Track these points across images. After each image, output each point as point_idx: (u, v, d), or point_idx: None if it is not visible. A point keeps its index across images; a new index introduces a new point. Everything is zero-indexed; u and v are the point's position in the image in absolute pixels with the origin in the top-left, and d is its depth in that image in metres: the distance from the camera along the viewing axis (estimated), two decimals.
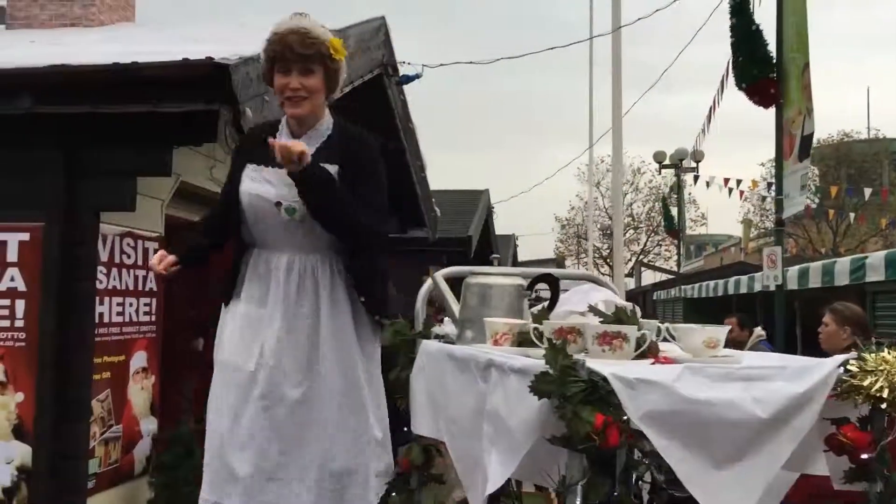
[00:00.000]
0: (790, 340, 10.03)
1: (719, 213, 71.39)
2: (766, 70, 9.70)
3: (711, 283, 15.98)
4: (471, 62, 14.10)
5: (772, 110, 9.82)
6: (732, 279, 14.48)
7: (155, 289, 4.69)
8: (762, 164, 36.55)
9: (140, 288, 4.56)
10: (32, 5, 6.44)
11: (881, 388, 1.27)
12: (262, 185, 2.49)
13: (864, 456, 1.33)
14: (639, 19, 8.78)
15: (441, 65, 7.42)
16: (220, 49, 3.70)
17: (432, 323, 2.28)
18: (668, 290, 21.72)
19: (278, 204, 2.45)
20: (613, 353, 1.47)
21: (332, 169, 2.45)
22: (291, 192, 2.41)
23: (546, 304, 1.98)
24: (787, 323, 9.88)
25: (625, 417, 1.29)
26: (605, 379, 1.27)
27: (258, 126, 2.75)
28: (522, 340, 1.75)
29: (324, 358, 2.42)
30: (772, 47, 9.60)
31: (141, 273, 4.56)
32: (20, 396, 3.96)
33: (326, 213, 2.40)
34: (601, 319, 1.66)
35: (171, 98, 3.67)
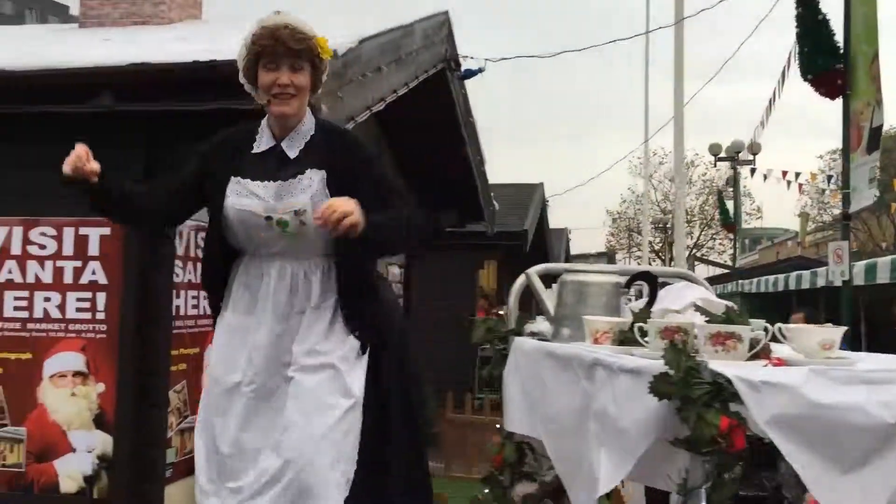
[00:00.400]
0: (855, 337, 9.82)
1: (774, 206, 70.08)
2: (832, 61, 9.48)
3: (771, 277, 15.69)
4: (533, 56, 13.95)
5: (834, 103, 9.63)
6: (794, 274, 14.19)
7: None
8: (820, 157, 35.74)
9: None
10: (105, 4, 6.57)
11: None
12: (249, 200, 2.42)
13: None
14: (702, 10, 8.60)
15: (503, 59, 7.39)
16: None
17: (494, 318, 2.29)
18: (725, 285, 21.40)
19: (269, 218, 2.39)
20: (727, 353, 1.45)
21: (319, 175, 2.42)
22: (281, 204, 2.38)
23: (643, 301, 1.96)
24: (853, 324, 9.67)
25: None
26: (729, 381, 1.25)
27: (232, 132, 2.63)
28: (624, 339, 1.74)
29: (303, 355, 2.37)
30: (839, 37, 9.40)
31: None
32: (101, 387, 4.06)
33: (382, 253, 2.52)
34: (707, 319, 1.64)
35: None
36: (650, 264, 31.03)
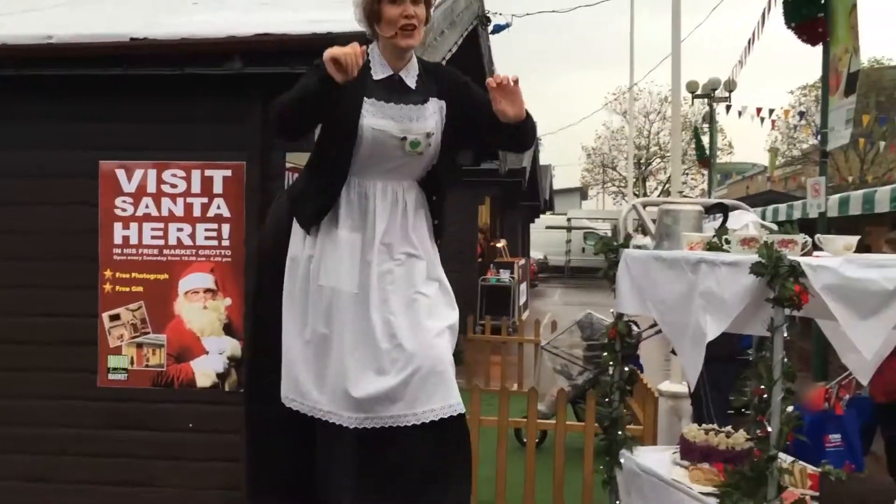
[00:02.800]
0: None
1: (744, 140, 71.22)
2: (814, 10, 10.28)
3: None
4: (553, 11, 14.58)
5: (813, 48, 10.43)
6: (770, 207, 15.24)
7: None
8: (791, 93, 36.55)
9: None
10: None
11: None
12: (385, 121, 2.64)
13: None
14: None
15: (528, 14, 8.12)
16: None
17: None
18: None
19: (403, 139, 2.63)
20: (790, 251, 2.34)
21: (440, 104, 2.68)
22: (413, 127, 2.63)
23: (718, 223, 2.85)
24: None
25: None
26: (798, 264, 2.14)
27: None
28: (711, 246, 2.63)
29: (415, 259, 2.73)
30: None
31: None
32: (228, 301, 4.90)
33: (526, 145, 2.74)
34: (770, 231, 2.54)
35: None
36: (624, 199, 31.93)
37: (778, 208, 14.69)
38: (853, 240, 2.44)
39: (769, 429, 2.13)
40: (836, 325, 2.23)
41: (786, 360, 2.14)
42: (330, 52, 2.49)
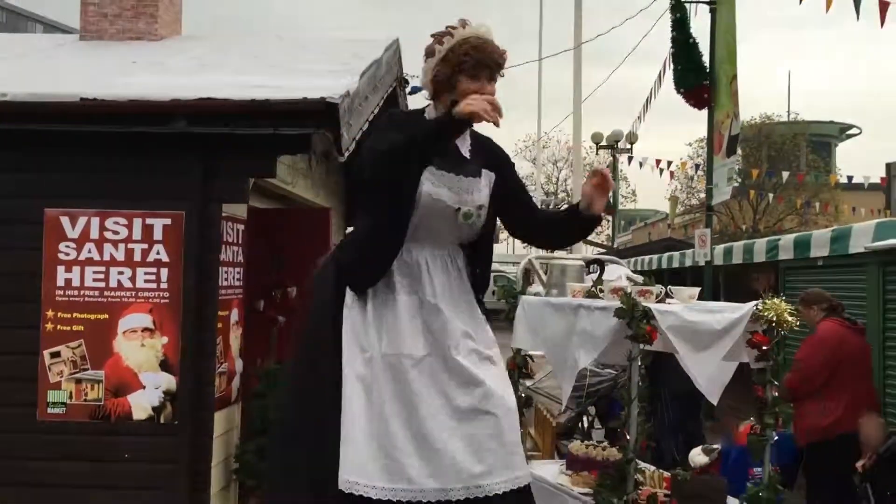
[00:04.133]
0: None
1: (648, 188, 74.02)
2: (700, 78, 11.37)
3: (646, 257, 17.83)
4: None
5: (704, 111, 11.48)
6: (665, 255, 16.31)
7: (242, 260, 6.04)
8: (689, 144, 38.45)
9: (233, 259, 5.90)
10: (102, 21, 7.59)
11: (769, 316, 2.82)
12: (442, 190, 2.64)
13: (764, 348, 2.88)
14: (598, 35, 10.22)
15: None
16: (326, 84, 5.10)
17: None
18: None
19: (457, 210, 2.65)
20: (646, 300, 2.98)
21: (490, 176, 2.72)
22: (467, 199, 2.66)
23: (596, 275, 3.50)
24: (713, 293, 11.64)
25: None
26: (650, 310, 2.78)
27: (406, 116, 2.92)
28: (589, 294, 3.26)
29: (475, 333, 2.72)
30: (706, 59, 11.25)
31: (233, 248, 5.90)
32: (165, 339, 5.30)
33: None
34: (634, 283, 3.19)
35: (288, 124, 5.05)
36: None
37: (672, 256, 15.73)
38: (695, 290, 3.11)
39: (628, 437, 2.75)
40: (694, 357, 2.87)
41: (640, 383, 2.77)
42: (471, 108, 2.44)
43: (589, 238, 30.74)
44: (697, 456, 3.22)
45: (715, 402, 2.97)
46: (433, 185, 2.64)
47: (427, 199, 2.64)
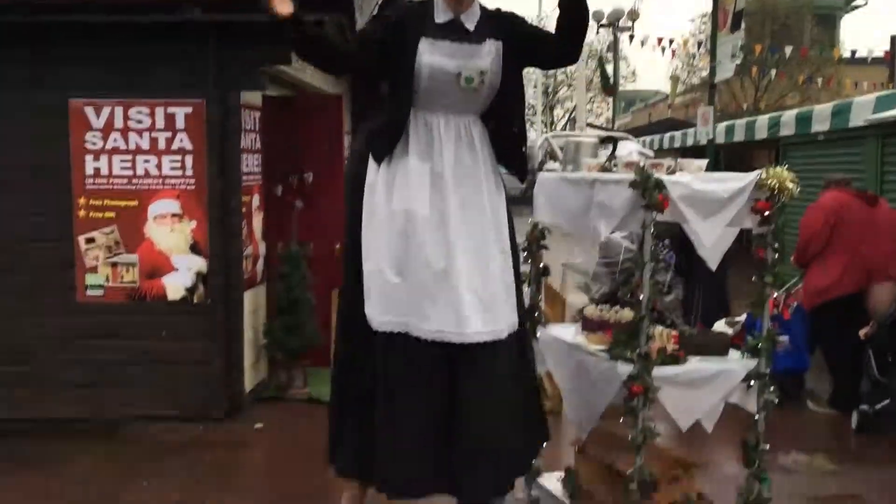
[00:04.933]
0: None
1: (649, 68, 72.76)
2: None
3: (648, 138, 17.95)
4: None
5: None
6: (667, 135, 16.43)
7: (259, 147, 6.22)
8: (692, 21, 37.65)
9: (252, 147, 6.08)
10: None
11: (771, 184, 3.05)
12: (441, 58, 2.90)
13: (766, 213, 3.12)
14: None
15: None
16: None
17: None
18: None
19: (458, 75, 2.89)
20: (658, 172, 3.20)
21: (497, 45, 2.92)
22: (468, 65, 2.89)
23: (609, 151, 3.70)
24: (715, 169, 11.86)
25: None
26: (661, 180, 3.00)
27: (410, 6, 3.05)
28: (603, 169, 3.48)
29: (485, 198, 3.05)
30: None
31: (251, 136, 6.07)
32: (193, 223, 5.56)
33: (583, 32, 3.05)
34: (645, 157, 3.40)
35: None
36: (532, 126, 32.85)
37: (674, 135, 15.86)
38: (703, 162, 3.33)
39: (641, 296, 3.02)
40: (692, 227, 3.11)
41: (652, 248, 3.02)
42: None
43: (589, 122, 30.52)
44: (722, 327, 3.49)
45: (714, 268, 3.22)
46: (431, 53, 2.90)
47: (427, 68, 2.90)
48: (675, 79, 36.51)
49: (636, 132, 22.84)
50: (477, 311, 2.93)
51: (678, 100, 35.74)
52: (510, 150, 3.19)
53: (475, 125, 3.08)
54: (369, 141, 3.08)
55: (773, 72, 25.90)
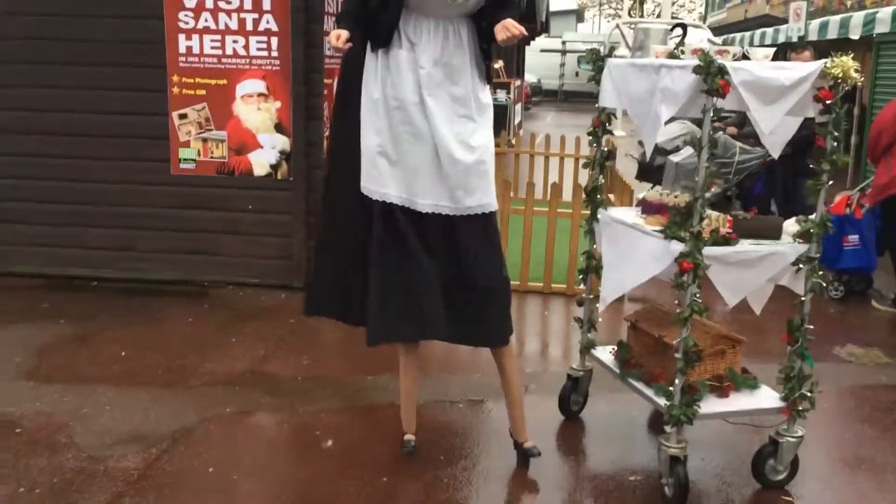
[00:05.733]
0: None
1: None
2: None
3: (739, 34, 17.35)
4: None
5: None
6: (759, 31, 15.86)
7: None
8: None
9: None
10: None
11: (836, 73, 3.11)
12: None
13: (828, 101, 3.19)
14: None
15: None
16: None
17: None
18: None
19: None
20: (723, 59, 3.28)
21: None
22: None
23: (678, 38, 3.76)
24: None
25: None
26: (724, 66, 3.09)
27: None
28: (671, 55, 3.56)
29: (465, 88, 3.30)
30: None
31: (332, 19, 6.23)
32: (278, 104, 5.84)
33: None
34: (713, 44, 3.47)
35: None
36: (630, 17, 31.91)
37: (766, 32, 15.32)
38: (770, 51, 3.38)
39: (696, 179, 3.17)
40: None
41: (710, 133, 3.14)
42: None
43: (679, 16, 29.36)
44: (791, 226, 3.57)
45: (776, 155, 3.32)
46: None
47: None
48: None
49: (728, 29, 22.02)
50: (465, 189, 3.34)
51: None
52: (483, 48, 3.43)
53: (463, 25, 3.34)
54: (368, 33, 3.32)
55: None
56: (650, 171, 6.95)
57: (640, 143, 5.84)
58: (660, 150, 5.75)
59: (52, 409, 3.97)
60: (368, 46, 3.34)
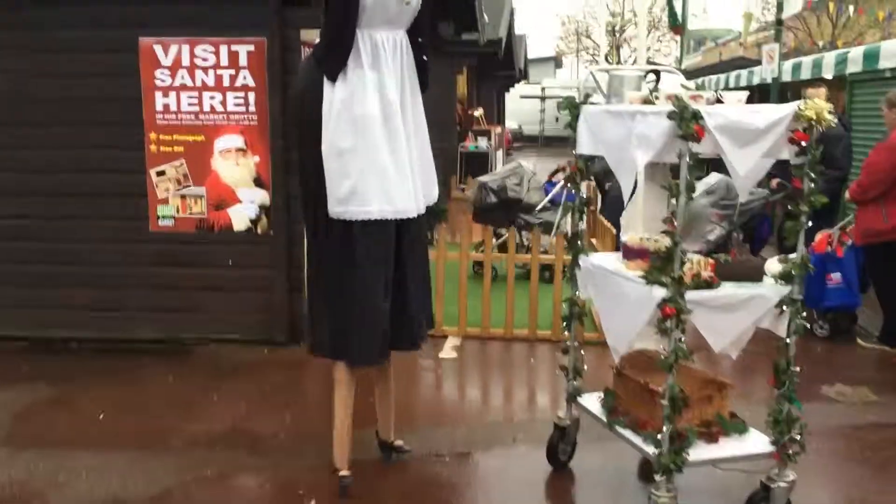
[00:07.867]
0: None
1: (719, 5, 70.34)
2: None
3: (713, 77, 17.59)
4: None
5: None
6: (733, 73, 16.06)
7: None
8: None
9: None
10: None
11: (809, 115, 3.12)
12: None
13: (803, 144, 3.20)
14: None
15: None
16: None
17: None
18: None
19: None
20: (697, 103, 3.29)
21: None
22: None
23: (652, 84, 3.78)
24: None
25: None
26: (698, 111, 3.10)
27: None
28: (645, 102, 3.58)
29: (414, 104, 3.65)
30: None
31: None
32: (257, 158, 5.83)
33: None
34: (688, 90, 3.49)
35: None
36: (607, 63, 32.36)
37: (740, 74, 15.53)
38: (743, 94, 3.40)
39: (675, 223, 3.15)
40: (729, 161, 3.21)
41: (687, 178, 3.13)
42: None
43: (655, 61, 29.85)
44: (773, 265, 3.56)
45: (743, 199, 3.32)
46: None
47: None
48: (748, 16, 35.34)
49: (703, 72, 22.34)
50: (419, 190, 3.70)
51: (751, 38, 34.66)
52: (422, 60, 3.71)
53: (404, 38, 3.61)
54: (322, 63, 3.49)
55: (852, 8, 24.95)
56: (485, 211, 7.28)
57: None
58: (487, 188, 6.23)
59: (27, 476, 3.87)
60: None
